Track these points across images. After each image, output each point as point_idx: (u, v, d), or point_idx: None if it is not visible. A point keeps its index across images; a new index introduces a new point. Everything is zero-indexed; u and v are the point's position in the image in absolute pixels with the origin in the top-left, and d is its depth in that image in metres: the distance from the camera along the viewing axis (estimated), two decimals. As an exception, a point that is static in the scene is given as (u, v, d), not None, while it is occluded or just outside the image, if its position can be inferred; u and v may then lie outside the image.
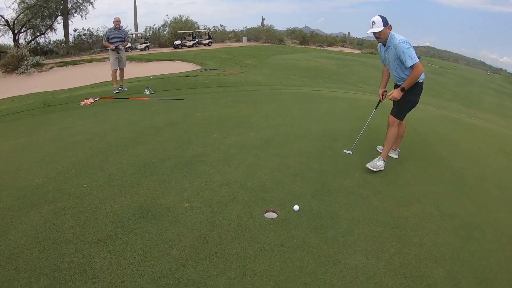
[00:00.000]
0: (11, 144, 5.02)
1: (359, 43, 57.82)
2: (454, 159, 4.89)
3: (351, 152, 4.68)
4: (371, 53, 42.14)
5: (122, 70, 9.33)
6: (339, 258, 2.54)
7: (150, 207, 3.09)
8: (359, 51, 45.31)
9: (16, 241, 2.60)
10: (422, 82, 4.20)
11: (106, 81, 13.14)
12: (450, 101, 19.44)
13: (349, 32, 61.33)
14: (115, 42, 8.87)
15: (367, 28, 4.07)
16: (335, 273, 2.38)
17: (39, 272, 2.30)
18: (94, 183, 3.53)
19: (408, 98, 4.23)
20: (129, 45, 29.50)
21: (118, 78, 9.32)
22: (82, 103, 7.84)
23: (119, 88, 9.44)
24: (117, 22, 8.94)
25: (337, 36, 63.18)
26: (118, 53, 8.96)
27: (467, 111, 14.98)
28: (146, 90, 9.04)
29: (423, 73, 4.03)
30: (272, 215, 3.07)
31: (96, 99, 8.22)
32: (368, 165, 4.16)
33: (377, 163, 4.18)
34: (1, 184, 3.55)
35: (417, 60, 3.97)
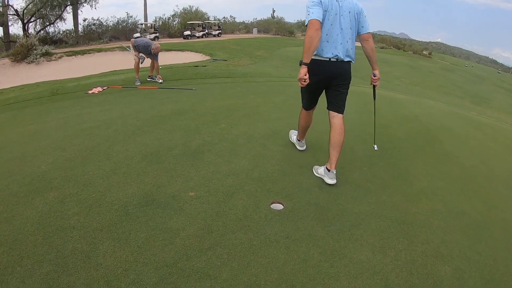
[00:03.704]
0: (19, 131, 5.05)
1: (370, 38, 57.20)
2: (464, 157, 4.84)
3: (376, 148, 4.22)
4: (382, 48, 41.74)
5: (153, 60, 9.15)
6: (345, 252, 2.51)
7: (155, 195, 3.08)
8: (369, 45, 44.91)
9: (21, 227, 2.61)
10: None
11: (115, 70, 13.18)
12: (461, 99, 19.26)
13: (360, 26, 60.65)
14: (141, 51, 8.76)
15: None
16: (341, 267, 2.35)
17: (42, 258, 2.30)
18: (100, 171, 3.52)
19: None
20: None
21: (140, 66, 9.10)
22: (90, 92, 7.87)
23: (148, 79, 9.29)
24: (157, 50, 8.76)
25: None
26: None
27: (478, 109, 14.83)
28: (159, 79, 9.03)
29: None
30: (279, 206, 3.04)
31: (104, 87, 8.24)
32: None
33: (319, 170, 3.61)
34: (8, 171, 3.56)
35: None
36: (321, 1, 3.09)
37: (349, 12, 3.18)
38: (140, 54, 8.77)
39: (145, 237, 2.53)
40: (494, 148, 5.75)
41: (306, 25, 3.05)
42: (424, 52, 45.54)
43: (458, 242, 2.78)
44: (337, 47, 3.21)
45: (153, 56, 8.84)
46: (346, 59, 3.30)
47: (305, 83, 3.10)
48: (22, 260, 2.27)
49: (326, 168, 3.46)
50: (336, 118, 3.43)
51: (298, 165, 3.84)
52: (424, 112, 7.75)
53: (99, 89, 8.11)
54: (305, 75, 3.06)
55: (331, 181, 3.42)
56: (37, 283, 2.10)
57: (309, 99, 3.64)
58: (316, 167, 3.68)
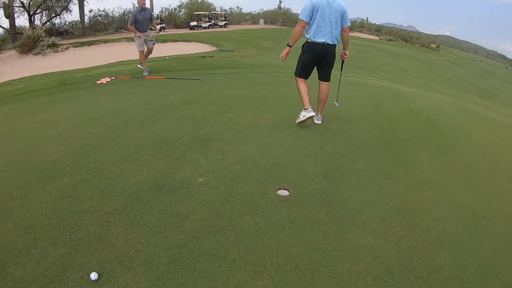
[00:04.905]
0: (29, 121, 5.16)
1: (377, 29, 56.47)
2: (467, 150, 4.86)
3: (338, 105, 5.45)
4: (389, 40, 41.30)
5: (149, 50, 9.09)
6: (348, 237, 2.59)
7: (165, 181, 3.18)
8: (377, 37, 44.38)
9: (35, 211, 2.70)
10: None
11: (122, 61, 13.24)
12: (467, 93, 19.12)
13: (367, 18, 59.76)
14: (144, 24, 8.58)
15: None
16: (344, 251, 2.44)
17: (57, 240, 2.39)
18: (111, 158, 3.62)
19: None
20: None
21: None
22: (98, 82, 7.98)
23: (138, 66, 9.26)
24: (142, 2, 8.52)
25: (355, 22, 61.65)
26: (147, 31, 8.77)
27: (484, 104, 14.73)
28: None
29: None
30: (284, 192, 3.13)
31: (112, 78, 8.34)
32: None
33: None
34: (20, 159, 3.68)
35: None
36: (313, 5, 4.40)
37: (336, 11, 4.45)
38: (143, 36, 8.70)
39: (156, 220, 2.63)
40: (499, 143, 5.73)
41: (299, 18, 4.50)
42: (432, 45, 44.97)
43: (458, 232, 2.83)
44: (326, 35, 4.52)
45: (151, 20, 8.83)
46: (332, 43, 4.59)
47: (284, 59, 4.73)
48: (37, 243, 2.36)
49: (316, 113, 4.87)
50: (323, 84, 4.89)
51: (303, 154, 3.92)
52: (430, 105, 7.73)
53: (107, 79, 8.21)
54: (287, 54, 4.70)
55: (318, 121, 4.98)
56: (52, 264, 2.19)
57: (303, 70, 4.80)
58: (299, 117, 4.85)
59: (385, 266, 2.33)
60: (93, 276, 2.09)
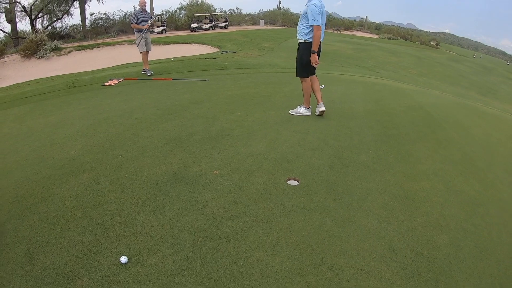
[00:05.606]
0: (42, 122, 5.26)
1: (377, 28, 56.47)
2: (466, 143, 5.05)
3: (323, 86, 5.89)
4: (389, 38, 41.40)
5: (147, 53, 9.34)
6: (354, 220, 2.82)
7: (183, 174, 3.40)
8: (376, 36, 44.44)
9: (59, 205, 2.86)
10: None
11: (127, 63, 13.38)
12: (467, 89, 19.22)
13: (367, 17, 60.11)
14: (143, 24, 8.85)
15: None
16: (350, 232, 2.67)
17: (84, 230, 2.56)
18: (129, 154, 3.81)
19: None
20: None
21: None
22: (107, 84, 8.10)
23: (142, 72, 9.50)
24: (143, 4, 8.88)
25: (355, 20, 61.74)
26: (147, 33, 8.99)
27: (484, 100, 14.85)
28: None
29: None
30: (294, 182, 3.37)
31: (120, 79, 8.49)
32: (291, 111, 5.52)
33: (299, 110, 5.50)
34: (38, 157, 3.80)
35: None
36: (321, 10, 4.90)
37: (324, 13, 4.99)
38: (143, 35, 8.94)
39: (178, 208, 2.85)
40: (497, 137, 5.91)
41: (311, 24, 4.92)
42: (431, 43, 45.00)
43: (455, 216, 3.06)
44: (323, 34, 5.07)
45: (149, 21, 9.08)
46: (322, 40, 5.12)
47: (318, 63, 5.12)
48: (64, 233, 2.53)
49: (317, 104, 5.37)
50: (314, 77, 5.37)
51: (309, 148, 4.15)
52: (429, 102, 7.88)
53: (115, 81, 8.36)
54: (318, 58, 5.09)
55: (322, 108, 5.35)
56: (81, 250, 2.36)
57: (309, 69, 5.24)
58: (296, 109, 5.55)
59: (389, 245, 2.57)
60: (123, 259, 2.27)
